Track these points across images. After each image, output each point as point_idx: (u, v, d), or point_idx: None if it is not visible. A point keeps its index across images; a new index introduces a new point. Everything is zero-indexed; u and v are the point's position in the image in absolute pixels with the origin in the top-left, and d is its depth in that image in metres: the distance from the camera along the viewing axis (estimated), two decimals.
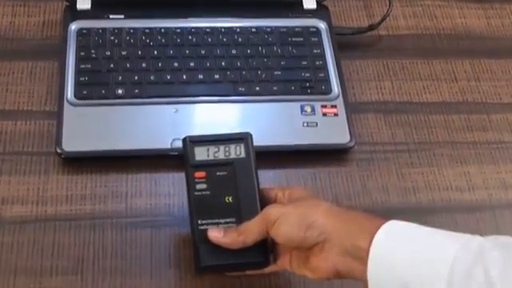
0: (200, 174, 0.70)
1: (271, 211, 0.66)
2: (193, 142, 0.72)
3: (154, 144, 0.83)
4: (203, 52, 0.90)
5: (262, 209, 0.68)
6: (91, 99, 0.85)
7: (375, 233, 0.61)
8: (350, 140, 0.86)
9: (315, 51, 0.92)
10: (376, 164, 0.87)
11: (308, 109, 0.87)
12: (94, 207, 0.80)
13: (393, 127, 0.90)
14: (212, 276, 0.75)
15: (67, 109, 0.84)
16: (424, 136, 0.90)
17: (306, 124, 0.86)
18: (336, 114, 0.87)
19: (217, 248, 0.68)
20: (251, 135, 0.73)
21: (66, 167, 0.82)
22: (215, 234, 0.68)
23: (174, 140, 0.82)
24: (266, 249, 0.69)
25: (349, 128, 0.86)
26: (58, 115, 0.83)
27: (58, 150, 0.81)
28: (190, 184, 0.70)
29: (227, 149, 0.71)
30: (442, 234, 0.61)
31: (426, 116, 0.92)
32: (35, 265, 0.75)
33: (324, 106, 0.87)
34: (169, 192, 0.82)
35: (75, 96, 0.85)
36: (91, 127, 0.83)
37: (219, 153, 0.71)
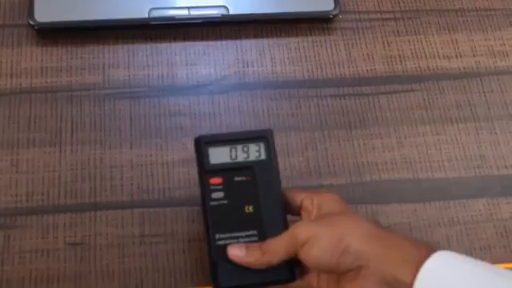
0: (216, 180, 0.62)
1: (300, 231, 0.58)
2: (207, 142, 0.62)
3: (131, 14, 0.79)
4: None
5: (286, 217, 0.61)
6: None
7: (421, 265, 0.53)
8: (335, 8, 0.83)
9: None
10: (361, 33, 0.84)
11: None
12: (70, 79, 0.77)
13: None
14: None
15: None
16: (411, 4, 0.87)
17: None
18: None
19: (237, 265, 0.60)
20: (272, 132, 0.63)
21: (40, 39, 0.79)
22: (236, 253, 0.59)
23: (151, 9, 0.79)
24: (291, 264, 0.60)
25: None
26: None
27: (31, 22, 0.78)
28: (206, 192, 0.61)
29: (245, 149, 0.62)
30: (503, 275, 0.53)
31: None
32: (11, 137, 0.73)
33: None
34: (147, 63, 0.79)
35: None
36: None
37: (237, 154, 0.62)
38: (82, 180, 0.72)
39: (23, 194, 0.71)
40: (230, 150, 0.62)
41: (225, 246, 0.60)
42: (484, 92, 0.82)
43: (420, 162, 0.77)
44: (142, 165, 0.74)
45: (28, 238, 0.69)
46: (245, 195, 0.62)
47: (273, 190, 0.62)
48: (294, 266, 0.60)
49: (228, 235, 0.61)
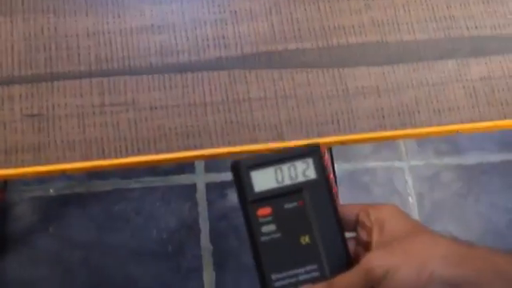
0: (265, 210, 0.53)
1: (374, 265, 0.50)
2: (249, 167, 0.54)
3: None
4: None
5: (347, 244, 0.55)
6: None
7: None
8: None
9: None
10: None
11: None
12: None
13: None
14: None
15: None
16: None
17: None
18: None
19: None
20: (320, 147, 0.55)
21: None
22: None
23: None
24: None
25: None
26: None
27: None
28: (254, 227, 0.53)
29: (292, 169, 0.54)
30: None
31: None
32: None
33: None
34: None
35: None
36: None
37: (284, 177, 0.54)
38: (37, 50, 0.69)
39: None
40: (276, 172, 0.54)
41: None
42: None
43: (388, 24, 0.75)
44: (98, 33, 0.70)
45: None
46: (298, 224, 0.54)
47: (328, 213, 0.54)
48: None
49: (285, 274, 0.53)
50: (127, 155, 0.67)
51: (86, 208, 1.38)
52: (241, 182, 0.54)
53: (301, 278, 0.53)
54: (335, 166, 1.36)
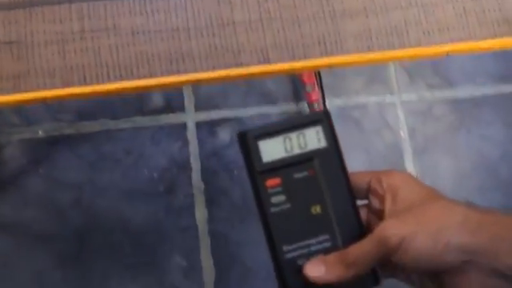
0: (274, 181, 0.52)
1: (389, 234, 0.49)
2: (256, 136, 0.52)
3: None
4: None
5: (359, 213, 0.53)
6: None
7: None
8: None
9: None
10: None
11: None
12: None
13: None
14: None
15: None
16: None
17: None
18: None
19: None
20: (329, 113, 0.54)
21: None
22: (315, 274, 0.50)
23: None
24: (374, 268, 0.52)
25: None
26: None
27: None
28: (263, 198, 0.52)
29: (301, 138, 0.53)
30: None
31: None
32: None
33: None
34: None
35: None
36: None
37: (292, 145, 0.53)
38: None
39: None
40: (284, 141, 0.53)
41: (295, 260, 0.52)
42: None
43: None
44: None
45: None
46: (309, 194, 0.53)
47: (340, 181, 0.53)
48: (376, 269, 0.52)
49: (296, 245, 0.52)
50: (109, 81, 0.65)
51: (75, 149, 1.37)
52: (248, 152, 0.52)
53: (313, 248, 0.52)
54: (326, 101, 1.35)
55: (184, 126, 1.40)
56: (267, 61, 0.67)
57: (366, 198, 0.55)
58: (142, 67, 0.65)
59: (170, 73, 0.65)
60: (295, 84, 1.43)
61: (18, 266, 1.28)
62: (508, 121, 1.47)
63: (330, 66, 0.69)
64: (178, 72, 0.65)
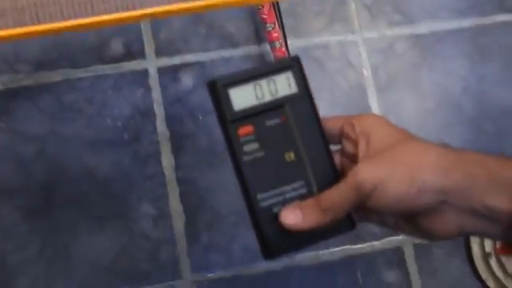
0: (246, 128, 0.51)
1: (364, 178, 0.48)
2: (226, 84, 0.51)
3: None
4: None
5: (333, 158, 0.53)
6: None
7: None
8: None
9: None
10: None
11: None
12: None
13: None
14: None
15: None
16: None
17: None
18: None
19: None
20: (299, 59, 0.53)
21: None
22: (293, 222, 0.50)
23: None
24: (349, 213, 0.52)
25: None
26: None
27: None
28: (236, 146, 0.51)
29: (272, 84, 0.52)
30: None
31: None
32: None
33: None
34: None
35: None
36: None
37: (263, 93, 0.52)
38: None
39: None
40: (255, 89, 0.52)
41: (270, 208, 0.51)
42: None
43: None
44: None
45: None
46: (282, 141, 0.52)
47: (312, 127, 0.53)
48: (351, 213, 0.52)
49: (272, 193, 0.51)
50: (63, 19, 0.63)
51: (36, 100, 1.34)
52: (218, 101, 0.51)
53: (288, 195, 0.52)
54: (288, 42, 1.34)
55: (146, 73, 1.39)
56: None
57: (339, 142, 0.55)
58: (97, 3, 0.64)
59: (125, 8, 0.64)
60: (256, 25, 1.42)
61: None
62: (469, 55, 1.48)
63: None
64: (134, 7, 0.64)
